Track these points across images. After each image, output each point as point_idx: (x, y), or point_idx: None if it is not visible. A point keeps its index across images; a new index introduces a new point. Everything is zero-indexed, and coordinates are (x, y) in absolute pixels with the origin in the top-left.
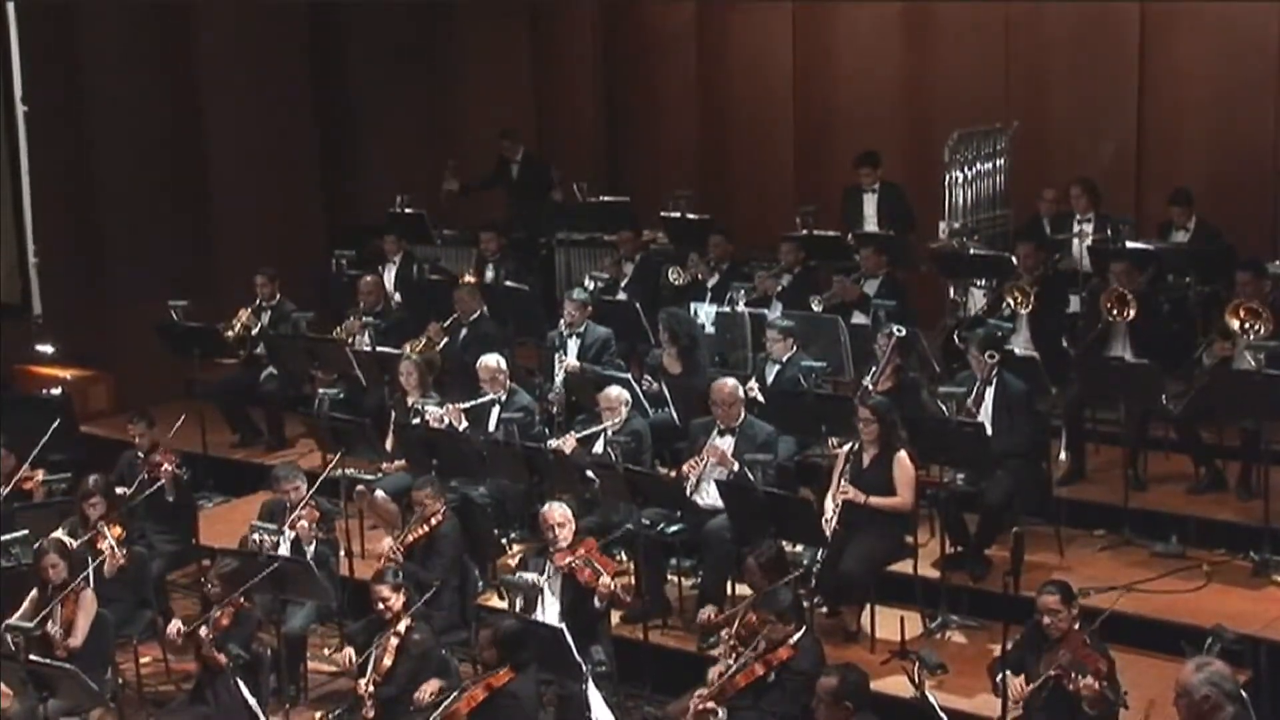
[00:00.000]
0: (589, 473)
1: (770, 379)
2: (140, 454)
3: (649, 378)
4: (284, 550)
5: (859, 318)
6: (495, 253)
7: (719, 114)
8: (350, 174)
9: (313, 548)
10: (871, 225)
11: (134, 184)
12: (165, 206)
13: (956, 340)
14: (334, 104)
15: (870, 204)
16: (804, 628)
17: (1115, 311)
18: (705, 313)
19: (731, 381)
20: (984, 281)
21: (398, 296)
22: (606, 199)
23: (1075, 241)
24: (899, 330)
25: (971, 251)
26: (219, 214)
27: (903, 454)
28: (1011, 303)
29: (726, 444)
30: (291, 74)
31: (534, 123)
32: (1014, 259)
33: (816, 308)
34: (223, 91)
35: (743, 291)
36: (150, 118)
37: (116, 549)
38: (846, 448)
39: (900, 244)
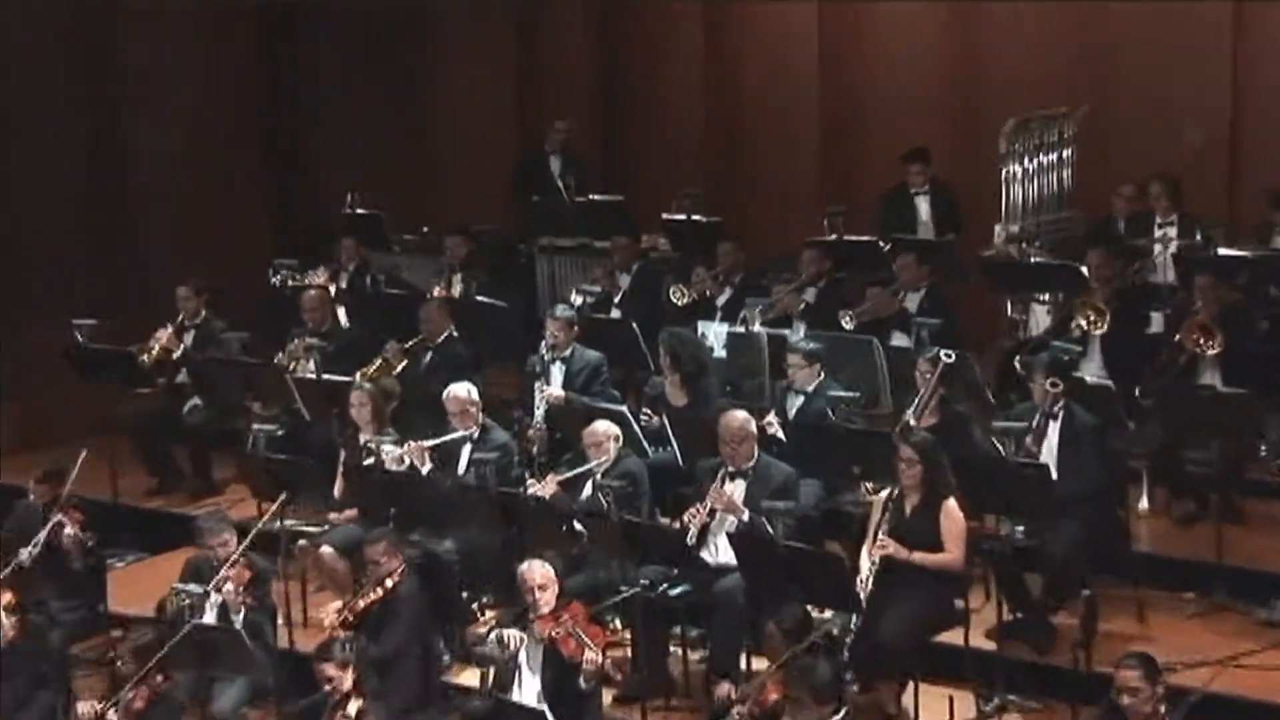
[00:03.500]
0: (576, 523)
1: (792, 412)
2: (40, 504)
3: (648, 410)
4: (210, 618)
5: (898, 339)
6: (462, 260)
7: (732, 101)
8: (303, 176)
9: (244, 615)
10: (928, 233)
11: (42, 189)
12: (77, 213)
13: (1015, 366)
14: (286, 100)
15: (924, 207)
16: (843, 709)
17: (1200, 342)
18: (715, 333)
19: (743, 414)
20: (1048, 296)
21: (344, 314)
22: (598, 198)
23: (1157, 248)
24: (946, 354)
25: (1032, 260)
26: (141, 221)
27: (951, 502)
28: (1081, 322)
29: (738, 489)
30: (234, 68)
31: (516, 114)
32: (1083, 269)
33: (848, 325)
34: (146, 88)
35: (759, 309)
36: (62, 117)
37: (6, 619)
38: (884, 494)
39: (947, 251)
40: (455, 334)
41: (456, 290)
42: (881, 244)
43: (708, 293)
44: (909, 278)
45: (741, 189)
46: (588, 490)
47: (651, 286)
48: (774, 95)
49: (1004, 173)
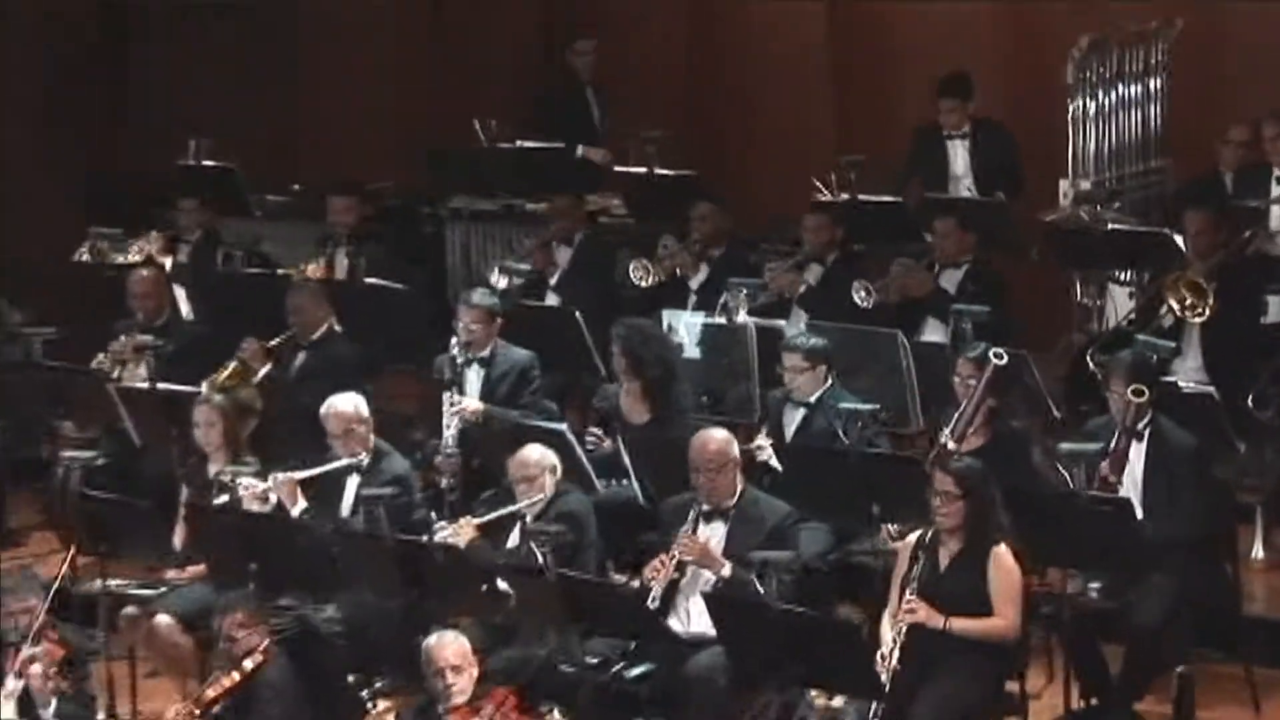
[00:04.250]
0: (501, 582)
1: (790, 430)
2: None
3: (597, 430)
4: (8, 712)
5: (933, 331)
6: (348, 229)
7: (711, 23)
8: (129, 114)
9: (54, 706)
10: (965, 188)
11: None
12: None
13: (1088, 368)
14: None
15: (960, 155)
16: None
17: None
18: (686, 325)
19: (723, 435)
20: (1130, 275)
21: (184, 301)
22: (531, 145)
23: (1276, 210)
24: (996, 353)
25: (1110, 227)
26: None
27: (1003, 549)
28: (1175, 308)
29: (716, 534)
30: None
31: (427, 32)
32: (1178, 238)
33: (864, 305)
34: None
35: (746, 292)
36: None
37: None
38: (913, 539)
39: (997, 215)
40: (337, 328)
41: (340, 269)
42: (909, 203)
43: (678, 271)
44: (949, 250)
45: (724, 134)
46: (516, 538)
47: (601, 263)
48: (768, 14)
49: (1072, 110)
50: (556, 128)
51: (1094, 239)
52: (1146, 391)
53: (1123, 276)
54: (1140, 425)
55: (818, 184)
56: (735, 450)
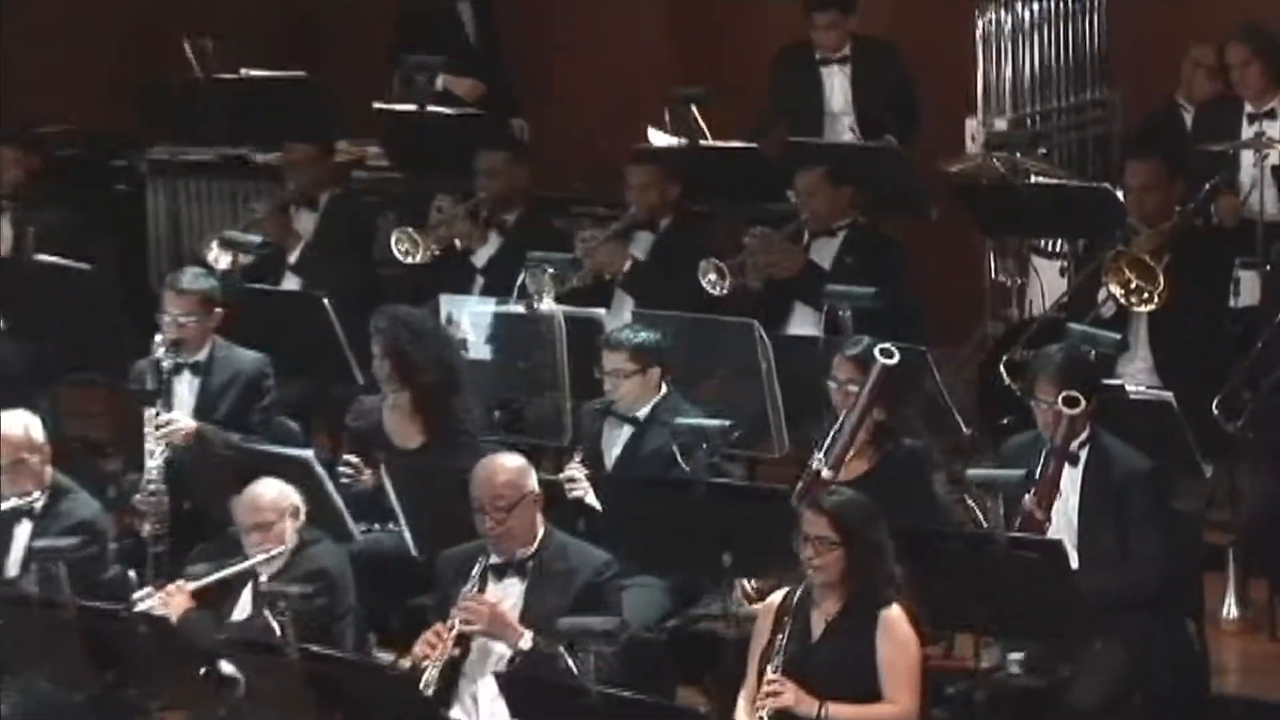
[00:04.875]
0: (225, 665)
1: (613, 455)
2: None
3: (353, 458)
4: None
5: (801, 321)
6: (15, 188)
7: None
8: None
9: None
10: (844, 129)
11: None
12: None
13: (1004, 371)
14: None
15: (838, 85)
16: None
17: None
18: (472, 316)
19: (516, 463)
20: (1061, 244)
21: None
22: (263, 74)
23: (1248, 158)
24: (884, 350)
25: (1034, 180)
26: None
27: (895, 612)
28: (1117, 290)
29: (511, 594)
30: None
31: None
32: (1121, 195)
33: (714, 289)
34: None
35: (550, 271)
36: None
37: None
38: (777, 599)
39: (887, 164)
40: None
41: (2, 244)
42: (762, 150)
43: (458, 243)
44: (820, 211)
45: (525, 57)
46: (246, 603)
47: (355, 232)
48: None
49: (982, 25)
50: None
51: (1012, 197)
52: (1083, 400)
53: (1051, 247)
54: (1075, 444)
55: (648, 127)
56: (534, 482)
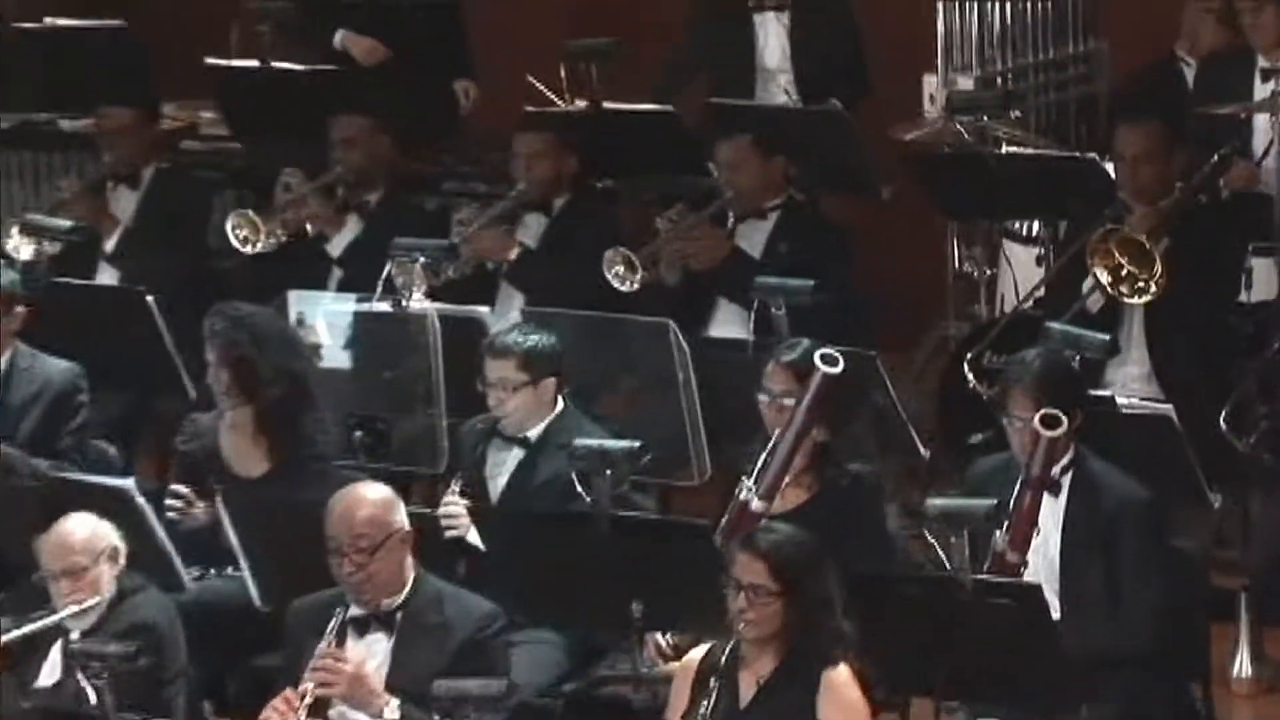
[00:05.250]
0: None
1: (500, 482)
2: None
3: (182, 488)
4: None
5: (725, 319)
6: None
7: None
8: None
9: None
10: (780, 89)
11: None
12: None
13: (975, 376)
14: None
15: (774, 37)
16: None
17: None
18: (327, 316)
19: (379, 494)
20: (1038, 228)
21: None
22: (72, 24)
23: (1262, 123)
24: (826, 356)
25: (1005, 150)
26: None
27: (841, 673)
28: (1106, 280)
29: (375, 652)
30: None
31: None
32: (1110, 165)
33: (623, 284)
34: None
35: (421, 261)
36: None
37: None
38: (698, 656)
39: (830, 132)
40: None
41: None
42: (677, 114)
43: (308, 227)
44: (747, 188)
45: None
46: (56, 665)
47: (185, 215)
48: None
49: None
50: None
51: (980, 170)
52: (1065, 417)
53: (1026, 230)
54: (1056, 470)
55: (537, 85)
56: (403, 518)
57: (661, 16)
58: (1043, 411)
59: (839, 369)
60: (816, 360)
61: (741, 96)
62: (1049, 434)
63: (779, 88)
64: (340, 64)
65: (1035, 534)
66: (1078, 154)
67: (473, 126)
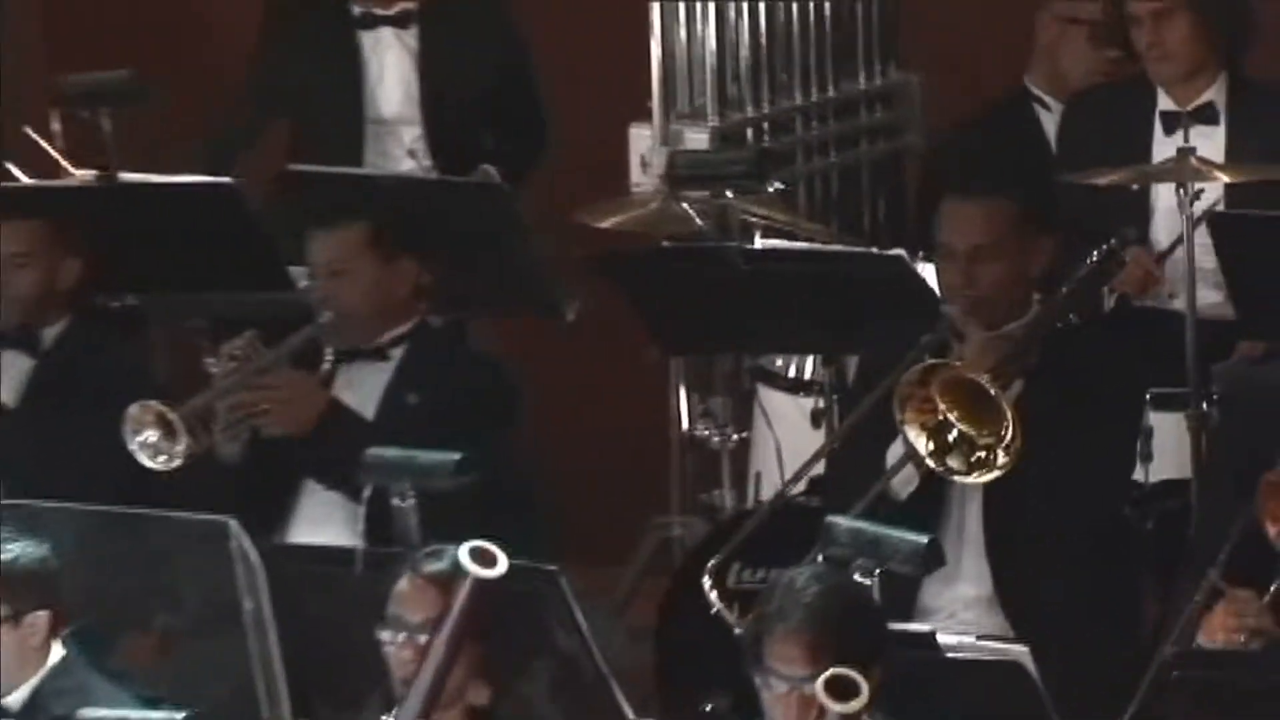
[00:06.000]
0: None
1: None
2: None
3: None
4: None
5: (317, 518)
6: None
7: None
8: None
9: None
10: (403, 149)
11: None
12: None
13: (711, 600)
14: None
15: (394, 66)
16: None
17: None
18: None
19: None
20: (810, 367)
21: None
22: None
23: (1165, 196)
24: (477, 555)
25: (759, 241)
26: None
27: None
28: (920, 445)
29: None
30: None
31: None
32: (929, 267)
33: (150, 457)
34: None
35: None
36: None
37: None
38: None
39: (486, 209)
40: None
41: None
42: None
43: None
44: (353, 304)
45: None
46: None
47: None
48: None
49: None
50: None
51: (719, 276)
52: (861, 680)
53: (795, 370)
54: None
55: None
56: None
57: (221, 34)
58: (828, 674)
59: (499, 570)
60: (463, 559)
61: (343, 160)
62: (838, 708)
63: (403, 148)
64: None
65: None
66: (874, 249)
67: None
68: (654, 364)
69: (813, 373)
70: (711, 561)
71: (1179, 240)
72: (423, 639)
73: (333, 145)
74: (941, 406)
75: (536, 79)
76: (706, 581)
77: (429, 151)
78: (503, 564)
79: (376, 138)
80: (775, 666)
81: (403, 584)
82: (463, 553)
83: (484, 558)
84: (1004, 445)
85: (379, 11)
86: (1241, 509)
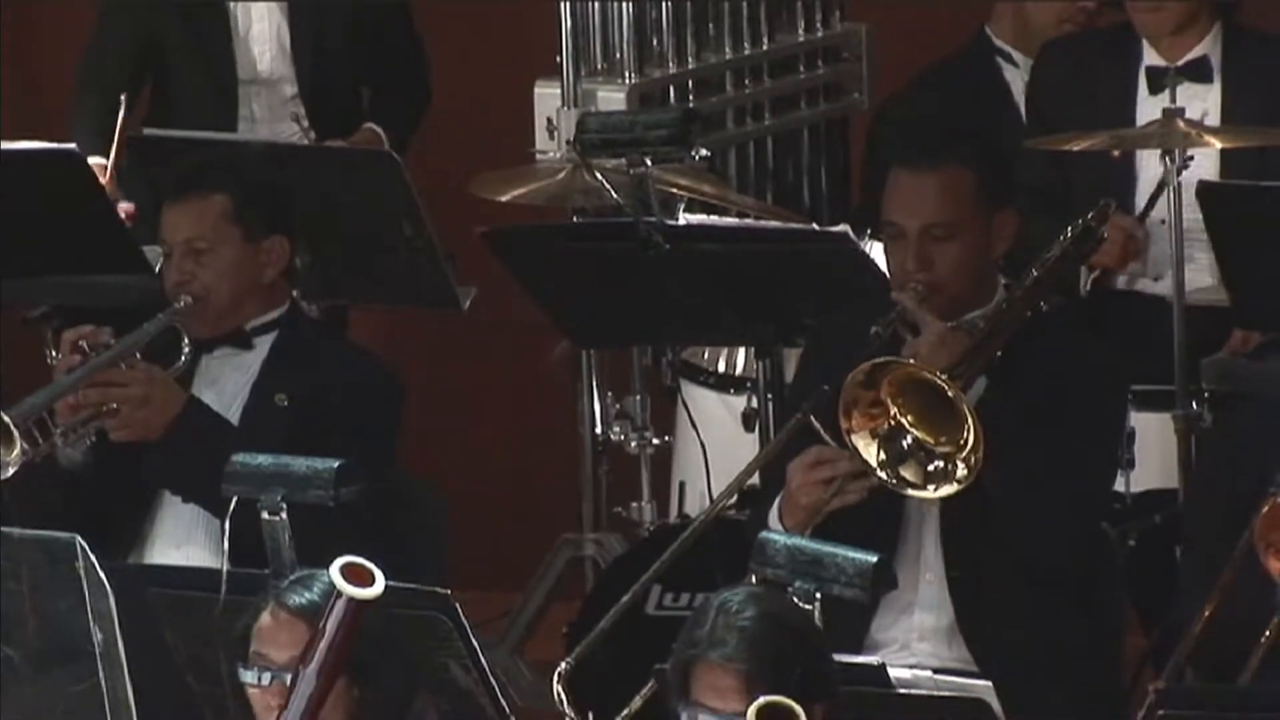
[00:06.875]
0: None
1: None
2: None
3: None
4: None
5: (175, 537)
6: None
7: None
8: None
9: None
10: (276, 110)
11: None
12: None
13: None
14: None
15: (265, 15)
16: None
17: None
18: None
19: None
20: (741, 361)
21: None
22: None
23: (1150, 163)
24: (349, 572)
25: (683, 217)
26: None
27: None
28: (868, 454)
29: None
30: None
31: None
32: (876, 246)
33: None
34: None
35: None
36: None
37: None
38: None
39: (371, 178)
40: None
41: None
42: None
43: None
44: (216, 287)
45: None
46: None
47: None
48: None
49: None
50: None
51: (636, 258)
52: (800, 714)
53: (725, 365)
54: None
55: None
56: None
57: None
58: (760, 701)
59: (377, 591)
60: (334, 576)
61: (210, 122)
62: None
63: (273, 108)
64: None
65: None
66: (814, 226)
67: None
68: (562, 359)
69: (744, 368)
70: (563, 665)
71: (1159, 189)
72: (284, 678)
73: (201, 109)
74: (893, 410)
75: (416, 26)
76: (556, 688)
77: (307, 111)
78: (380, 583)
79: (253, 98)
80: (704, 700)
81: (265, 618)
82: (334, 569)
83: (359, 576)
84: (965, 454)
85: None
86: (1237, 528)
